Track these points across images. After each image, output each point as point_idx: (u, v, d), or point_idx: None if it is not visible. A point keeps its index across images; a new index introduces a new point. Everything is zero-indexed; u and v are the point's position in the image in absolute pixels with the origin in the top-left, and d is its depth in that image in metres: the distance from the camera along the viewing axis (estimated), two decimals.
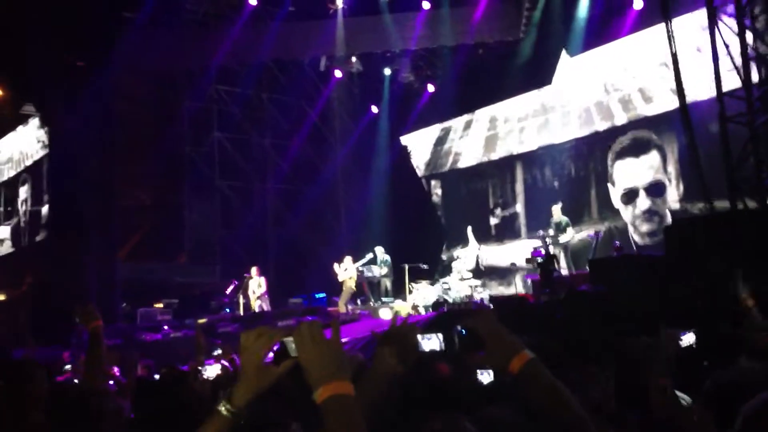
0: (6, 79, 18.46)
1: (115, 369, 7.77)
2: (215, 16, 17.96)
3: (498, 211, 18.32)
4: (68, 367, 6.97)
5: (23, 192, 21.30)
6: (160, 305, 15.68)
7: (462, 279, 14.96)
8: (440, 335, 1.89)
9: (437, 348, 1.91)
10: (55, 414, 3.17)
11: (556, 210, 14.32)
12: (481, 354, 1.78)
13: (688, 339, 3.31)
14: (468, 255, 16.83)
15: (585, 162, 16.33)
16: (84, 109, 15.98)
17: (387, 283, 15.56)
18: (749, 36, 9.88)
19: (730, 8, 9.98)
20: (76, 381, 6.04)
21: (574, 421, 1.71)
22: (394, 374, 1.87)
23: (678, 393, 2.94)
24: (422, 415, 2.34)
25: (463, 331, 1.81)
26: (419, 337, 1.91)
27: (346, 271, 14.96)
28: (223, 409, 1.64)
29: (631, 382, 2.73)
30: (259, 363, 1.65)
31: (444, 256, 18.92)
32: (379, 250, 15.66)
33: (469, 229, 17.50)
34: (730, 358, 3.14)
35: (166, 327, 14.11)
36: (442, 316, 10.81)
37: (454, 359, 2.10)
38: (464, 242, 17.65)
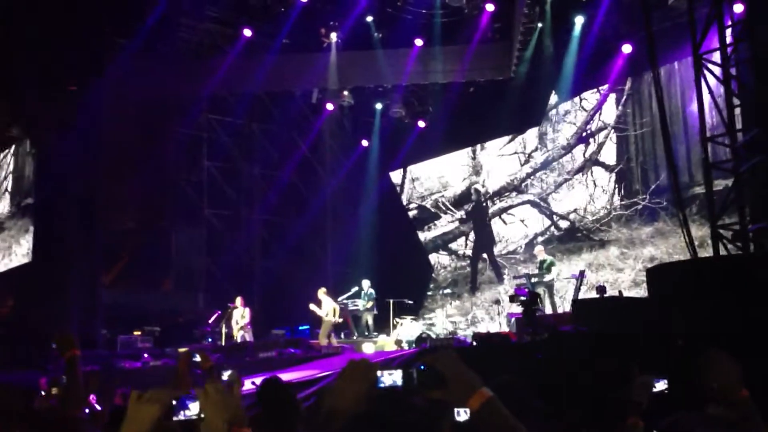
0: None
1: (92, 397, 7.68)
2: (209, 46, 18.09)
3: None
4: (54, 390, 6.89)
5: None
6: (141, 333, 15.54)
7: (447, 315, 14.95)
8: (401, 371, 1.89)
9: (399, 383, 1.91)
10: None
11: (540, 249, 14.39)
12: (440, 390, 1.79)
13: (661, 385, 3.31)
14: None
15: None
16: (73, 133, 16.00)
17: (369, 318, 15.51)
18: (734, 83, 10.04)
19: (716, 56, 10.14)
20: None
21: None
22: (351, 411, 1.87)
23: None
24: None
25: (422, 366, 1.82)
26: (383, 372, 1.91)
27: (322, 306, 14.92)
28: None
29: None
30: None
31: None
32: (366, 284, 15.65)
33: None
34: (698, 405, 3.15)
35: (146, 355, 13.97)
36: (423, 352, 10.77)
37: (413, 395, 2.11)
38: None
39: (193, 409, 1.84)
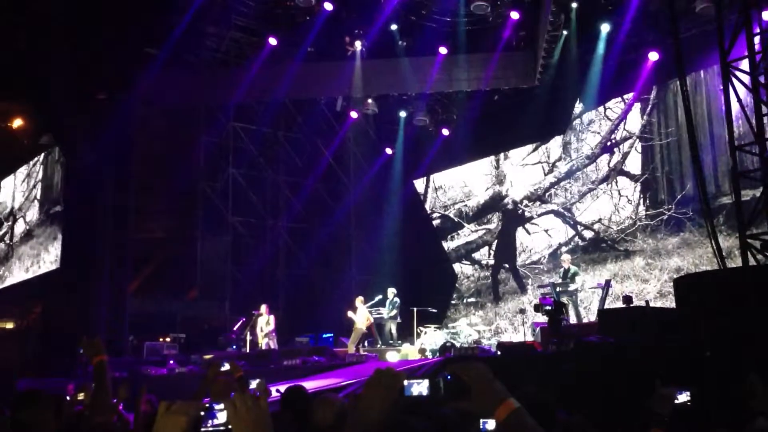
0: (27, 109, 18.77)
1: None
2: (235, 55, 18.27)
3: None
4: (81, 396, 6.95)
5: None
6: (167, 339, 15.67)
7: (470, 324, 14.91)
8: (427, 381, 1.90)
9: (425, 393, 1.91)
10: None
11: (566, 259, 14.31)
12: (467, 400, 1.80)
13: (684, 397, 3.29)
14: None
15: None
16: (103, 141, 16.22)
17: (392, 326, 15.52)
18: (763, 92, 9.94)
19: (745, 64, 10.05)
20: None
21: None
22: (378, 419, 1.88)
23: None
24: None
25: (449, 376, 1.83)
26: (410, 382, 1.91)
27: (357, 314, 14.98)
28: None
29: None
30: None
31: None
32: (391, 292, 15.67)
33: None
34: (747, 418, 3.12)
35: (171, 362, 14.08)
36: (448, 361, 10.74)
37: (441, 406, 2.11)
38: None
39: (221, 418, 1.86)
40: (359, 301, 15.15)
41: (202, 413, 1.84)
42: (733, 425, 2.88)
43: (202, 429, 1.86)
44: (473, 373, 1.82)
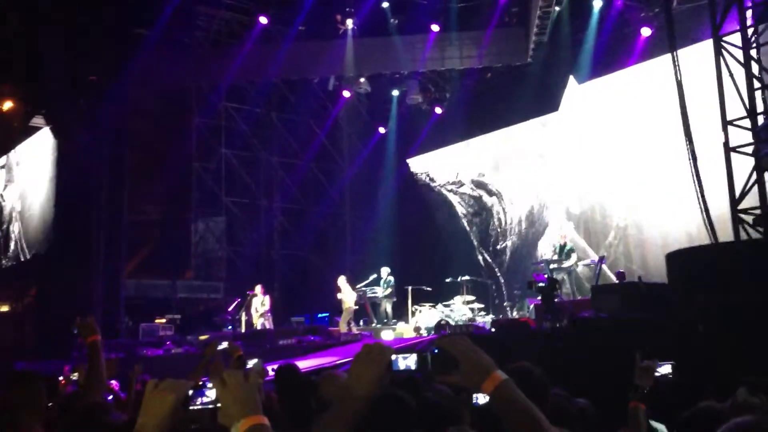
0: (18, 91, 18.64)
1: (114, 382, 7.78)
2: (227, 34, 18.16)
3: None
4: (75, 376, 6.98)
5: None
6: (163, 321, 15.70)
7: (466, 302, 14.95)
8: (415, 355, 1.91)
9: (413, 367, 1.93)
10: (62, 427, 3.19)
11: (562, 235, 14.34)
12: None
13: (664, 370, 3.32)
14: None
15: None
16: (95, 122, 16.15)
17: (387, 305, 15.56)
18: (754, 66, 9.93)
19: (736, 39, 10.02)
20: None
21: None
22: (367, 394, 1.90)
23: (654, 423, 2.98)
24: None
25: (436, 351, 1.84)
26: (398, 356, 1.93)
27: (342, 292, 15.02)
28: None
29: None
30: (159, 420, 1.77)
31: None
32: (384, 271, 15.69)
33: None
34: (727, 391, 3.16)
35: (168, 342, 14.14)
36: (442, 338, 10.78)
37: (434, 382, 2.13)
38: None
39: (210, 395, 1.86)
40: (342, 280, 15.19)
41: (191, 391, 1.84)
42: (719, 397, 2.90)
43: (191, 406, 1.86)
44: (459, 347, 1.83)
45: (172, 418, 1.79)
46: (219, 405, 1.73)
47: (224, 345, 4.81)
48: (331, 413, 1.91)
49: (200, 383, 1.95)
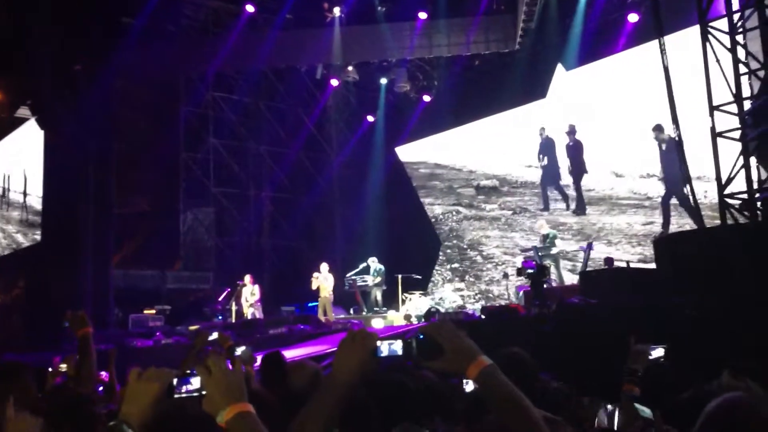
0: (3, 82, 18.48)
1: (104, 374, 7.75)
2: (213, 23, 18.05)
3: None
4: (64, 367, 6.94)
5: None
6: (153, 311, 15.67)
7: (455, 290, 15.02)
8: (400, 341, 1.91)
9: (399, 353, 1.93)
10: (48, 418, 3.17)
11: (542, 224, 14.42)
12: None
13: (657, 353, 3.35)
14: None
15: None
16: (81, 113, 16.02)
17: (377, 293, 15.60)
18: (741, 52, 9.96)
19: (723, 24, 10.05)
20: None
21: (531, 428, 1.74)
22: (351, 381, 1.91)
23: (639, 406, 3.00)
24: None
25: (421, 336, 1.85)
26: (382, 342, 1.93)
27: (318, 279, 15.08)
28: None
29: None
30: (143, 408, 1.76)
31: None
32: (373, 260, 15.72)
33: None
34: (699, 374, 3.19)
35: (158, 333, 14.11)
36: None
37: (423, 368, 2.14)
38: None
39: (195, 384, 1.86)
40: (324, 267, 15.28)
41: (175, 380, 1.84)
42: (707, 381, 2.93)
43: (176, 395, 1.87)
44: (444, 332, 1.84)
45: (156, 407, 1.79)
46: (204, 393, 1.73)
47: (214, 335, 4.80)
48: (316, 400, 1.91)
49: (187, 372, 1.95)
